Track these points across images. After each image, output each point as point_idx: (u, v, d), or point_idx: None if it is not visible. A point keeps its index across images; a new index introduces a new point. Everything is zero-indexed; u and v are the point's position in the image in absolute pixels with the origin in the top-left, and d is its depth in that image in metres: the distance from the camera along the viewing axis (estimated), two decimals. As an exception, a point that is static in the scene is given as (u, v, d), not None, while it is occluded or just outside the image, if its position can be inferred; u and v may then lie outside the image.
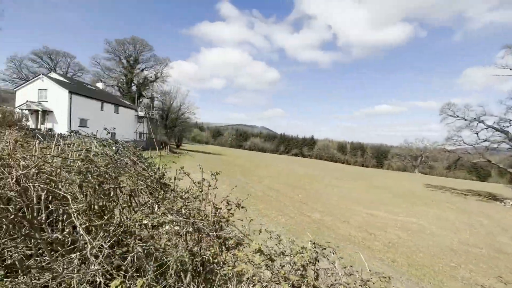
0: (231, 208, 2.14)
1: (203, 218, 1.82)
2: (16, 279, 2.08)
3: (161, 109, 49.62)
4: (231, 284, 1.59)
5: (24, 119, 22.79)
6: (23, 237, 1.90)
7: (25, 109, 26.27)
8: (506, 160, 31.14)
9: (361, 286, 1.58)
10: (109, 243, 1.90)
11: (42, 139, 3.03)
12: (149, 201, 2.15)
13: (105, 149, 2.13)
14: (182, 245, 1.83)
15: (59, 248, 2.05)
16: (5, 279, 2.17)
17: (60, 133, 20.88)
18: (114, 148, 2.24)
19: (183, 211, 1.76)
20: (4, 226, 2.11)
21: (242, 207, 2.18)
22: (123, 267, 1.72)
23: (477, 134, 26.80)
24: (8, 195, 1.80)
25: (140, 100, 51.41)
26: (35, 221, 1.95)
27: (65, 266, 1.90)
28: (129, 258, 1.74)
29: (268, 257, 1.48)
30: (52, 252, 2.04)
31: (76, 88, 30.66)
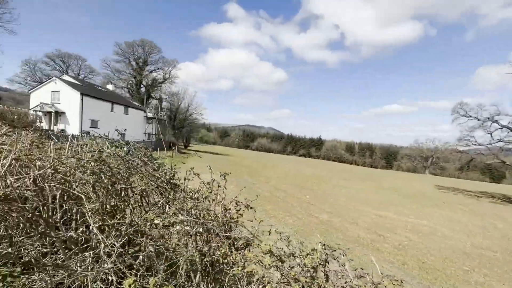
0: (240, 208, 2.15)
1: (212, 218, 1.83)
2: (33, 276, 2.15)
3: (169, 110, 50.23)
4: (240, 285, 1.60)
5: (38, 120, 23.47)
6: (39, 235, 1.96)
7: (39, 111, 27.05)
8: (521, 161, 30.11)
9: (371, 289, 1.56)
10: (121, 242, 1.94)
11: (56, 140, 3.13)
12: (159, 201, 2.19)
13: (117, 150, 2.17)
14: (192, 245, 1.85)
15: (72, 246, 2.11)
16: (21, 276, 2.25)
17: (73, 134, 21.41)
18: (125, 149, 2.29)
19: (193, 212, 1.78)
20: (21, 224, 2.19)
21: (251, 208, 2.18)
22: (134, 266, 1.75)
23: (490, 134, 26.04)
24: (26, 194, 1.86)
25: (149, 101, 52.14)
26: (51, 220, 2.01)
27: (78, 264, 1.95)
28: (140, 257, 1.77)
29: (278, 258, 1.48)
30: (66, 250, 2.09)
31: (87, 90, 31.38)
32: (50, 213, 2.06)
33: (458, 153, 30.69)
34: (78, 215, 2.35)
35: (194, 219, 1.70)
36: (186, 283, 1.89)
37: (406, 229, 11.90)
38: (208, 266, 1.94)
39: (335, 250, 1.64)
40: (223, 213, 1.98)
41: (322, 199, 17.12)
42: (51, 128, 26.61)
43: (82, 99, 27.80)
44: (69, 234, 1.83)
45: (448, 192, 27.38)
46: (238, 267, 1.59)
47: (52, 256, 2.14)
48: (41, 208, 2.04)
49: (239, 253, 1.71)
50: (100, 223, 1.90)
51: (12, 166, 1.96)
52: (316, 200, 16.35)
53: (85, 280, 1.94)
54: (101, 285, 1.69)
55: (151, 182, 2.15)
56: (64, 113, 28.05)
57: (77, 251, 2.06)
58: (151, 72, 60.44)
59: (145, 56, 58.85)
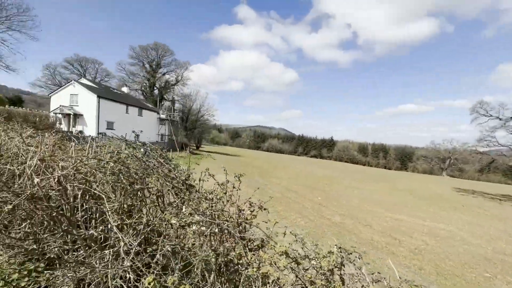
0: (254, 209, 2.16)
1: (227, 219, 1.85)
2: (56, 272, 2.25)
3: (181, 111, 51.12)
4: (255, 286, 1.60)
5: (57, 122, 24.49)
6: (62, 233, 2.05)
7: (59, 113, 28.23)
8: (548, 162, 28.49)
9: (389, 293, 1.53)
10: (138, 241, 2.00)
11: (76, 141, 3.25)
12: (175, 201, 2.23)
13: (134, 151, 2.24)
14: (207, 245, 1.88)
15: (92, 244, 2.19)
16: (45, 272, 2.35)
17: (90, 135, 22.17)
18: (142, 150, 2.35)
19: (208, 212, 1.81)
20: (45, 222, 2.30)
21: (265, 209, 2.19)
22: (152, 265, 1.80)
23: (514, 134, 24.80)
24: (50, 194, 1.95)
25: (162, 103, 53.30)
26: (73, 218, 2.10)
27: (98, 262, 2.02)
28: (157, 256, 1.81)
29: (294, 260, 1.47)
30: (87, 248, 2.18)
31: (104, 92, 32.43)
32: (72, 212, 2.15)
33: (478, 154, 29.42)
34: (97, 214, 2.43)
35: (210, 220, 1.72)
36: (200, 282, 1.92)
37: (422, 233, 11.52)
38: (223, 266, 1.96)
39: (351, 253, 1.61)
40: (237, 214, 1.99)
41: (334, 200, 16.87)
42: (70, 130, 27.69)
43: (99, 102, 28.76)
44: (90, 232, 1.90)
45: (467, 195, 26.27)
46: (253, 268, 1.59)
47: (73, 253, 2.23)
48: (63, 207, 2.14)
49: (254, 254, 1.72)
50: (119, 222, 1.96)
51: (37, 166, 2.06)
52: (328, 202, 16.13)
53: (104, 277, 2.01)
54: (121, 282, 1.75)
55: (167, 183, 2.20)
56: (82, 115, 29.12)
57: (96, 248, 2.14)
58: (164, 74, 61.78)
59: (158, 59, 60.23)
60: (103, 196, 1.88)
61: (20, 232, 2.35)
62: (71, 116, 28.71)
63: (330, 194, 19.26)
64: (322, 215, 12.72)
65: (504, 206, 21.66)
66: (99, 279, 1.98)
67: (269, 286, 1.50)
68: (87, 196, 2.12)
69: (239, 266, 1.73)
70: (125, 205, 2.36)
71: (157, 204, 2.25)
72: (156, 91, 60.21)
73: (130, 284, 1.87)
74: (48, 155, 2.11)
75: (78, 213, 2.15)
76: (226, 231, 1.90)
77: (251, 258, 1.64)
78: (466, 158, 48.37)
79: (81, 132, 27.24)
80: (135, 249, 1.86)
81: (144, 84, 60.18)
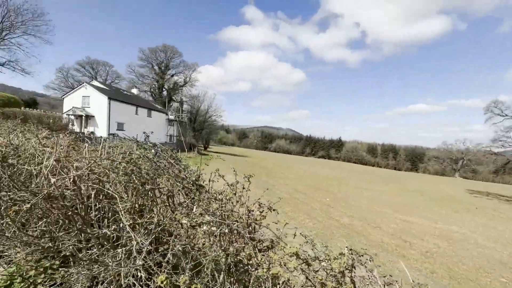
0: (263, 210, 2.16)
1: (237, 219, 1.87)
2: (70, 269, 2.31)
3: (189, 112, 51.67)
4: (265, 287, 1.61)
5: (70, 123, 25.16)
6: (77, 231, 2.11)
7: (71, 115, 28.98)
8: None
9: (401, 297, 1.50)
10: (149, 240, 2.03)
11: (89, 142, 3.34)
12: (185, 201, 2.26)
13: (146, 152, 2.29)
14: (216, 245, 1.89)
15: (105, 243, 2.24)
16: (60, 269, 2.42)
17: (101, 136, 22.67)
18: (153, 151, 2.40)
19: (218, 213, 1.83)
20: (60, 221, 2.36)
21: (274, 210, 2.19)
22: (163, 264, 1.83)
23: (531, 134, 23.92)
24: (66, 193, 2.01)
25: (171, 104, 53.98)
26: (87, 217, 2.15)
27: (111, 260, 2.07)
28: (168, 255, 1.84)
29: (305, 261, 1.47)
30: (100, 246, 2.23)
31: (114, 94, 33.11)
32: (86, 211, 2.20)
33: (493, 155, 28.55)
34: (110, 214, 2.49)
35: (220, 220, 1.74)
36: (210, 282, 1.93)
37: (434, 235, 11.26)
38: (232, 266, 1.97)
39: (362, 255, 1.60)
40: (246, 214, 2.00)
41: (343, 201, 16.68)
42: (82, 131, 28.39)
43: (109, 103, 29.38)
44: (104, 231, 1.94)
45: (481, 197, 25.53)
46: (263, 268, 1.60)
47: (87, 251, 2.29)
48: (78, 206, 2.20)
49: (264, 255, 1.73)
50: (131, 222, 2.00)
51: (53, 167, 2.13)
52: (336, 203, 15.96)
53: (116, 275, 2.05)
54: (133, 280, 1.78)
55: (177, 183, 2.23)
56: (93, 116, 29.81)
57: (109, 247, 2.19)
58: (172, 76, 62.59)
59: (167, 61, 61.08)
60: (116, 196, 1.92)
61: (36, 230, 2.43)
62: (83, 117, 29.43)
63: (338, 195, 19.06)
64: (331, 216, 12.61)
65: (521, 208, 20.92)
66: (112, 277, 2.03)
67: (280, 287, 1.50)
68: (101, 195, 2.17)
69: (249, 266, 1.74)
70: (136, 205, 2.41)
71: (167, 204, 2.29)
72: (164, 93, 61.08)
73: (141, 283, 1.91)
74: (63, 155, 2.18)
75: (92, 212, 2.21)
76: (235, 231, 1.91)
77: (261, 259, 1.64)
78: (480, 159, 46.96)
79: (92, 133, 27.89)
80: (147, 248, 1.89)
81: (153, 85, 61.14)
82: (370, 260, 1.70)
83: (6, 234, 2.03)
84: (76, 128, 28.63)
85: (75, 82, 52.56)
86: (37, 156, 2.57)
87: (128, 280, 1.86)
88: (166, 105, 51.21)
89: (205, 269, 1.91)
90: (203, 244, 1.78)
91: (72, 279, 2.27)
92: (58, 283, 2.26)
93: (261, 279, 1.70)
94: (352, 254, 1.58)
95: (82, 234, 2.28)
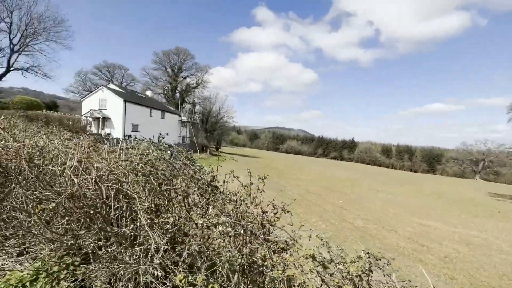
0: (277, 211, 2.16)
1: (251, 220, 1.88)
2: (90, 266, 2.40)
3: (201, 113, 52.35)
4: (280, 288, 1.61)
5: (88, 125, 26.12)
6: (97, 230, 2.19)
7: (89, 117, 30.08)
8: None
9: (421, 303, 1.46)
10: (165, 240, 2.08)
11: (108, 143, 3.46)
12: (200, 202, 2.30)
13: (162, 153, 2.35)
14: (231, 245, 1.91)
15: (123, 241, 2.31)
16: (81, 266, 2.52)
17: (117, 138, 23.36)
18: (169, 152, 2.46)
19: (233, 213, 1.85)
20: (81, 219, 2.46)
21: (287, 211, 2.19)
22: (179, 263, 1.87)
23: (559, 134, 22.54)
24: (87, 193, 2.09)
25: (183, 105, 54.90)
26: (107, 217, 2.23)
27: (128, 258, 2.13)
28: (184, 254, 1.88)
29: (321, 263, 1.46)
30: (119, 245, 2.30)
31: (129, 96, 34.08)
32: (106, 210, 2.29)
33: (517, 156, 27.06)
34: (128, 213, 2.57)
35: (235, 221, 1.76)
36: (225, 282, 1.95)
37: (453, 240, 10.82)
38: (247, 267, 1.99)
39: (379, 259, 1.57)
40: (261, 215, 2.01)
41: (356, 203, 16.35)
42: (99, 132, 29.39)
43: (125, 105, 30.27)
44: (123, 230, 2.01)
45: (504, 200, 24.29)
46: (278, 270, 1.60)
47: (107, 249, 2.37)
48: (98, 205, 2.28)
49: (279, 257, 1.73)
50: (148, 221, 2.06)
51: (75, 167, 2.22)
52: (350, 205, 15.67)
53: (134, 272, 2.12)
54: (151, 279, 1.83)
55: (193, 184, 2.27)
56: (110, 118, 30.80)
57: (127, 246, 2.26)
58: (185, 78, 63.71)
59: (180, 63, 62.25)
60: (135, 196, 1.98)
61: (59, 228, 2.54)
62: (100, 119, 30.47)
63: (352, 196, 18.70)
64: (344, 219, 12.39)
65: (549, 213, 19.72)
66: (130, 274, 2.09)
67: (295, 289, 1.50)
68: (120, 195, 2.24)
69: (264, 267, 1.74)
70: (152, 205, 2.47)
71: (183, 205, 2.33)
72: (177, 94, 62.24)
73: (158, 281, 1.96)
74: (85, 156, 2.27)
75: (111, 212, 2.29)
76: (250, 232, 1.92)
77: (276, 260, 1.65)
78: (503, 161, 44.74)
79: (109, 134, 28.81)
80: (164, 247, 1.94)
81: (167, 87, 62.47)
82: (387, 264, 1.66)
83: (33, 231, 2.13)
84: (94, 130, 29.68)
85: (93, 85, 54.54)
86: (60, 157, 2.69)
87: (146, 278, 1.91)
88: (179, 106, 52.14)
89: (220, 269, 1.94)
90: (218, 245, 1.81)
91: (93, 275, 2.36)
92: (79, 279, 2.35)
93: (275, 281, 1.70)
94: (369, 257, 1.55)
95: (102, 233, 2.37)
